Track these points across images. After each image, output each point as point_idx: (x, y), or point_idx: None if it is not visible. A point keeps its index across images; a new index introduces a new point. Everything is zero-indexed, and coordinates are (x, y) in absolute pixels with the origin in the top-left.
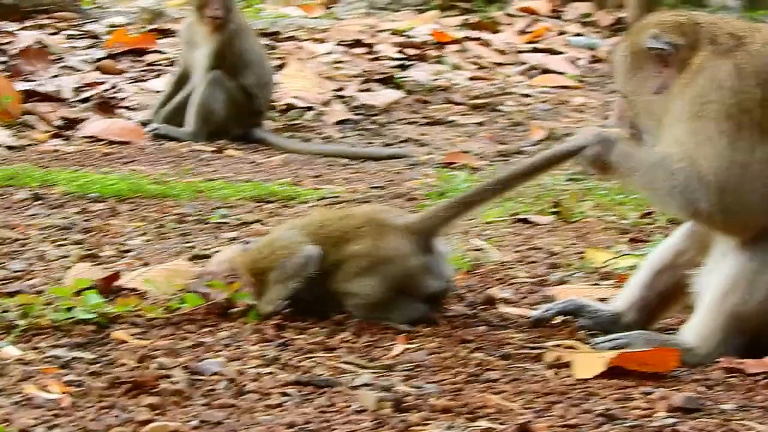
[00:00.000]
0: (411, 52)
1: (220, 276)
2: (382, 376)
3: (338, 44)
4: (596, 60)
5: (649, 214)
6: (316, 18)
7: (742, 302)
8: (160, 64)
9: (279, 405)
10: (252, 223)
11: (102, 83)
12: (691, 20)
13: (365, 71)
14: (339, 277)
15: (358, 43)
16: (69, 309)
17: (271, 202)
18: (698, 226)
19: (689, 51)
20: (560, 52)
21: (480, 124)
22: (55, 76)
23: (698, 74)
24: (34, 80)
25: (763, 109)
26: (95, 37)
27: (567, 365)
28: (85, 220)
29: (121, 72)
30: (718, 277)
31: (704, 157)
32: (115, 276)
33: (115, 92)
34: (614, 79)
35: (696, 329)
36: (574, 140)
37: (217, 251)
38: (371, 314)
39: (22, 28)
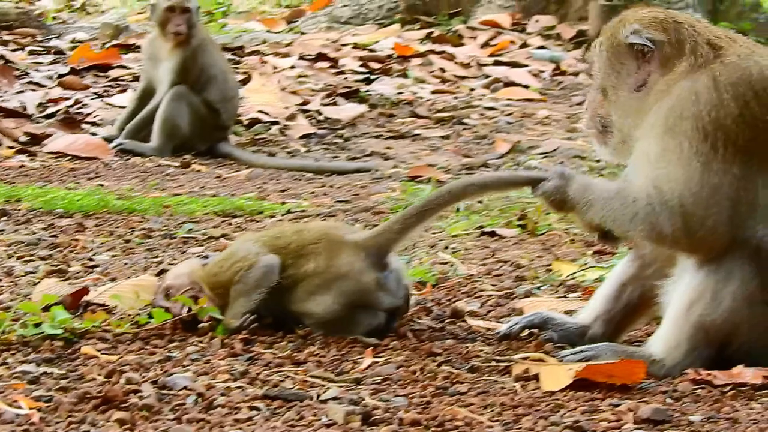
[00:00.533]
0: (374, 65)
1: (180, 290)
2: (351, 389)
3: (301, 58)
4: (559, 72)
5: None
6: (278, 32)
7: (707, 313)
8: (124, 79)
9: (248, 419)
10: (218, 237)
11: (66, 99)
12: (670, 17)
13: (329, 85)
14: (295, 296)
15: (321, 57)
16: (37, 324)
17: (237, 216)
18: (663, 249)
19: (670, 48)
20: (523, 65)
21: (445, 137)
22: (20, 92)
23: (676, 85)
24: None
25: (738, 125)
26: (59, 52)
27: (535, 378)
28: (52, 236)
29: (85, 87)
30: (684, 289)
31: (672, 179)
32: (84, 291)
33: (80, 108)
34: (591, 74)
35: (662, 341)
36: (534, 171)
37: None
38: (331, 331)
39: None
